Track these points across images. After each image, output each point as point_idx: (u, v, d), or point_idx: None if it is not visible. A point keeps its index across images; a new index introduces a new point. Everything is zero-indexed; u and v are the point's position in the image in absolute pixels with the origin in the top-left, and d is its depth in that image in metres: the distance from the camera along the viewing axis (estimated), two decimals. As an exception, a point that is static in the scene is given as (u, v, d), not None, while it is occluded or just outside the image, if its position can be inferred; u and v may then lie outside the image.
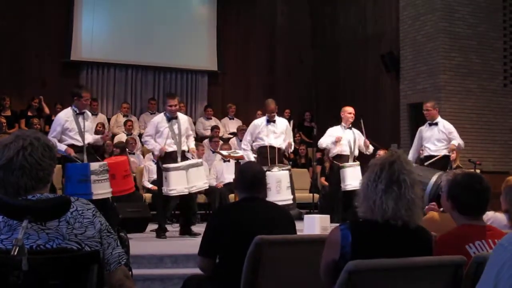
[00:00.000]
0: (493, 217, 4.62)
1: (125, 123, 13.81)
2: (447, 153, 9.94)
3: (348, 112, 10.56)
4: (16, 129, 12.96)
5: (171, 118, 9.13)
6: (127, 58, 15.94)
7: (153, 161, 11.78)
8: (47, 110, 14.05)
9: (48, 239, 2.56)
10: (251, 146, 9.85)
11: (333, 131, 10.64)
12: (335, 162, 10.45)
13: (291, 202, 9.19)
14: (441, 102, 13.00)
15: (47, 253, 2.54)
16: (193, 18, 16.88)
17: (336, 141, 10.35)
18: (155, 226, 9.43)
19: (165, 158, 8.92)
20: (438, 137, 10.11)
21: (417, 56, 13.70)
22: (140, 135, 14.01)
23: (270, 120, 9.83)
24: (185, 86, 16.67)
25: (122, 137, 13.16)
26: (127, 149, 12.07)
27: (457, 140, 9.98)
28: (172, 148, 9.01)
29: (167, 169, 8.73)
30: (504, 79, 13.66)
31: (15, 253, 2.27)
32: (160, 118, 9.28)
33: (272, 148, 9.66)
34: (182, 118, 9.41)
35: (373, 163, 3.21)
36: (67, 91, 15.06)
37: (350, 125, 10.60)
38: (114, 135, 13.69)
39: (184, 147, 9.15)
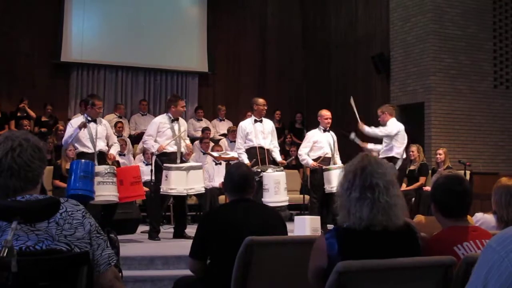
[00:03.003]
0: (482, 218, 4.64)
1: (115, 125, 13.79)
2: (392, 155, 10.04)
3: (325, 117, 10.44)
4: (6, 130, 12.91)
5: (174, 119, 9.19)
6: (117, 60, 15.91)
7: (144, 162, 11.78)
8: (32, 114, 13.93)
9: (37, 240, 2.56)
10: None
11: (311, 134, 10.54)
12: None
13: (287, 203, 9.18)
14: (431, 104, 13.05)
15: (36, 254, 2.53)
16: (184, 19, 16.87)
17: (312, 166, 10.29)
18: (146, 228, 9.42)
19: (164, 159, 8.94)
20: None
21: (407, 58, 13.74)
22: (130, 137, 14.01)
23: (258, 120, 9.80)
24: (176, 88, 16.65)
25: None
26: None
27: (373, 145, 10.41)
28: (172, 148, 9.06)
29: (169, 168, 8.77)
30: (494, 80, 13.70)
31: (4, 254, 2.26)
32: (162, 118, 9.36)
33: (261, 148, 9.62)
34: (182, 120, 9.52)
35: (347, 170, 3.17)
36: (57, 92, 15.18)
37: (328, 128, 10.50)
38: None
39: (183, 149, 9.18)
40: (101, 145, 8.82)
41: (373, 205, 3.04)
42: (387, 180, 3.10)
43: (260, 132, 9.69)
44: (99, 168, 8.29)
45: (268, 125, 9.86)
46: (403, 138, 10.15)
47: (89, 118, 8.79)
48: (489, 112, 13.55)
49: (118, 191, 8.42)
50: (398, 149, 10.07)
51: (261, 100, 9.84)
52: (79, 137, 8.67)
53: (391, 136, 10.08)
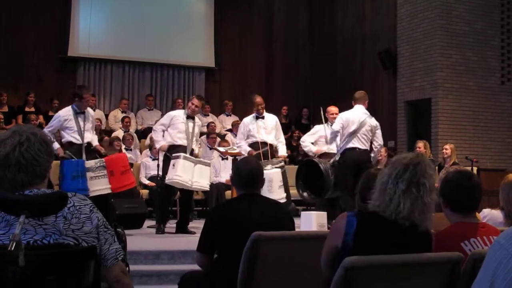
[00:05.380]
0: (489, 214, 4.63)
1: (122, 120, 13.80)
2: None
3: (331, 113, 10.44)
4: (13, 124, 12.92)
5: (190, 116, 9.26)
6: (124, 54, 15.92)
7: (150, 157, 11.79)
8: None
9: (45, 235, 2.56)
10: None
11: (318, 128, 10.61)
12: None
13: (284, 200, 9.13)
14: (438, 100, 13.03)
15: (44, 248, 2.53)
16: (191, 14, 16.86)
17: (315, 153, 10.32)
18: (152, 222, 9.43)
19: (173, 152, 8.97)
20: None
21: (414, 54, 13.71)
22: (137, 132, 14.04)
23: (259, 116, 9.80)
24: (182, 83, 16.65)
25: (119, 133, 13.15)
26: (119, 144, 11.89)
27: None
28: (182, 142, 9.09)
29: (178, 156, 8.78)
30: (501, 76, 13.67)
31: (12, 248, 2.27)
32: (179, 112, 9.50)
33: (264, 143, 9.63)
34: (198, 122, 9.59)
35: (397, 161, 3.20)
36: (64, 87, 15.18)
37: None
38: (112, 131, 13.75)
39: (193, 146, 9.26)
40: (88, 137, 8.86)
41: (415, 202, 3.08)
42: (432, 183, 3.16)
43: (262, 128, 9.70)
44: (90, 163, 8.40)
45: (271, 121, 9.87)
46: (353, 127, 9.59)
47: (77, 110, 8.80)
48: (496, 108, 13.52)
49: (110, 182, 8.50)
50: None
51: (258, 100, 9.85)
52: (66, 130, 8.70)
53: (336, 131, 9.64)
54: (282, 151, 9.88)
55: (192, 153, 9.21)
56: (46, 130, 8.68)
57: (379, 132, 9.64)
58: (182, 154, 8.84)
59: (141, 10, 16.11)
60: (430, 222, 3.16)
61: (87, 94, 8.97)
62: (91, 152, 8.92)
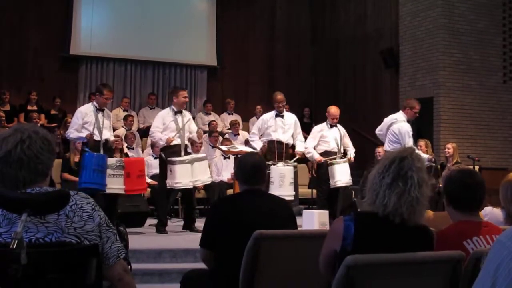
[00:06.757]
0: (490, 212, 4.63)
1: (125, 118, 13.78)
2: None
3: (332, 117, 10.44)
4: (15, 123, 12.92)
5: (177, 112, 9.20)
6: (126, 53, 15.91)
7: (152, 155, 11.79)
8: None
9: (47, 233, 2.56)
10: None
11: (318, 129, 10.60)
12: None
13: (292, 198, 9.17)
14: (440, 99, 13.02)
15: (46, 246, 2.54)
16: (193, 13, 16.85)
17: (317, 160, 10.33)
18: (154, 221, 9.43)
19: (168, 152, 8.94)
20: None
21: (417, 52, 13.69)
22: (139, 130, 14.02)
23: (279, 114, 9.87)
24: (185, 81, 16.64)
25: (121, 132, 13.14)
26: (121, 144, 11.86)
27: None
28: (176, 141, 9.06)
29: (173, 162, 8.75)
30: (503, 75, 13.65)
31: (14, 246, 2.27)
32: (166, 112, 9.39)
33: (279, 143, 9.72)
34: (186, 113, 9.49)
35: (385, 156, 3.20)
36: (66, 85, 15.20)
37: (336, 123, 10.54)
38: (114, 129, 13.72)
39: (187, 142, 9.20)
40: (106, 135, 8.97)
41: (401, 196, 3.04)
42: (421, 177, 3.11)
43: (280, 127, 9.84)
44: (111, 161, 8.49)
45: (290, 119, 10.03)
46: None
47: (97, 107, 8.88)
48: (498, 107, 13.50)
49: (124, 184, 8.56)
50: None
51: (279, 97, 9.98)
52: (86, 126, 8.76)
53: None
54: (300, 147, 10.07)
55: (186, 149, 9.19)
56: (71, 130, 8.83)
57: (394, 126, 9.78)
58: (176, 159, 8.81)
59: (143, 9, 16.11)
60: (420, 216, 3.11)
61: (108, 92, 8.97)
62: (109, 149, 9.00)
